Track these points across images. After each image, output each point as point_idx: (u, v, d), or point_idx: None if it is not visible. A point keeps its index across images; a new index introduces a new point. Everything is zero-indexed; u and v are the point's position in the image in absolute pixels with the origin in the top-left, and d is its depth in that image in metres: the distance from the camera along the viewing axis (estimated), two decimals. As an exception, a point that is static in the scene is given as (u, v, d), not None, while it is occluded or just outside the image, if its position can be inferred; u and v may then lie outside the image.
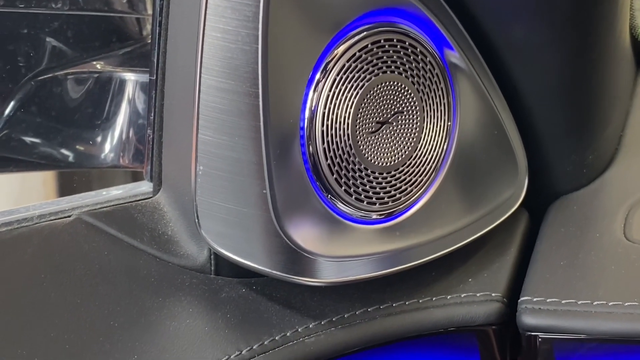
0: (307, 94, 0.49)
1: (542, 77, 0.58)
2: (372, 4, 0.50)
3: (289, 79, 0.48)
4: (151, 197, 0.55)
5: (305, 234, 0.50)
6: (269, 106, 0.47)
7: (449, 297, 0.55)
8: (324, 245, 0.51)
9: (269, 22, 0.46)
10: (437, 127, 0.54)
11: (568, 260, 0.56)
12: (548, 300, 0.53)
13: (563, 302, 0.53)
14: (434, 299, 0.54)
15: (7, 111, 0.62)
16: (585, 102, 0.60)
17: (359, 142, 0.51)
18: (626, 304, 0.52)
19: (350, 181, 0.51)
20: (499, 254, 0.58)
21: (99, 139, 0.62)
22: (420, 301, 0.54)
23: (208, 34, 0.48)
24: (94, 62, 0.64)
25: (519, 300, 0.54)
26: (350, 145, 0.50)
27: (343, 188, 0.51)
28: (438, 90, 0.53)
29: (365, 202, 0.52)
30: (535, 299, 0.53)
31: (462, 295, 0.55)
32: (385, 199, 0.53)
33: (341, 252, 0.51)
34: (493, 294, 0.55)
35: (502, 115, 0.57)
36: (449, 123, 0.54)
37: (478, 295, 0.55)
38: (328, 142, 0.50)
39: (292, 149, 0.49)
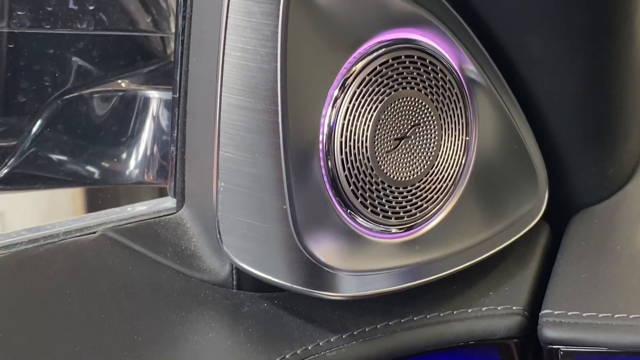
0: (326, 111, 0.50)
1: (560, 89, 0.58)
2: (390, 23, 0.50)
3: (308, 96, 0.49)
4: (174, 213, 0.55)
5: (325, 249, 0.50)
6: (288, 123, 0.48)
7: (470, 310, 0.55)
8: (344, 259, 0.51)
9: (287, 41, 0.47)
10: (455, 142, 0.54)
11: (589, 273, 0.56)
12: (569, 314, 0.53)
13: (584, 315, 0.53)
14: (455, 312, 0.55)
15: (34, 129, 0.63)
16: (605, 114, 0.60)
17: (378, 158, 0.51)
18: (647, 316, 0.52)
19: (369, 195, 0.51)
20: (519, 268, 0.58)
21: (123, 155, 0.63)
22: (442, 315, 0.54)
23: (228, 53, 0.48)
24: (119, 81, 0.65)
25: (540, 314, 0.54)
26: (368, 160, 0.51)
27: (362, 202, 0.51)
28: (456, 106, 0.54)
29: (384, 217, 0.52)
30: (556, 312, 0.53)
31: (483, 309, 0.55)
32: (404, 213, 0.53)
33: (361, 266, 0.52)
34: (514, 307, 0.55)
35: (520, 128, 0.57)
36: (467, 138, 0.54)
37: (499, 308, 0.55)
38: (346, 157, 0.50)
39: (312, 165, 0.49)
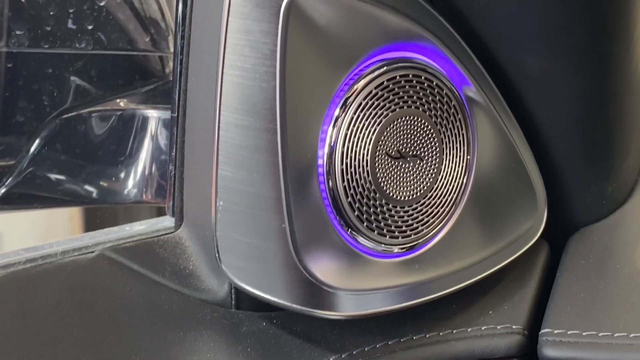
0: (325, 130, 0.50)
1: (559, 108, 0.58)
2: (389, 41, 0.50)
3: (307, 114, 0.49)
4: (173, 232, 0.55)
5: (324, 268, 0.50)
6: (287, 142, 0.48)
7: (469, 329, 0.55)
8: (344, 278, 0.51)
9: (286, 59, 0.47)
10: (456, 161, 0.54)
11: (588, 292, 0.56)
12: (569, 333, 0.53)
13: (584, 334, 0.53)
14: (454, 331, 0.54)
15: (32, 149, 0.63)
16: (604, 133, 0.60)
17: (379, 177, 0.51)
18: (647, 335, 0.51)
19: (371, 216, 0.51)
20: (519, 286, 0.58)
21: (122, 175, 0.63)
22: (441, 334, 0.54)
23: (227, 72, 0.48)
24: (117, 100, 0.65)
25: (540, 333, 0.54)
26: (369, 179, 0.51)
27: (364, 223, 0.51)
28: (457, 124, 0.54)
29: (386, 236, 0.52)
30: (556, 331, 0.53)
31: (483, 328, 0.55)
32: (407, 233, 0.53)
33: (361, 285, 0.52)
34: (514, 327, 0.55)
35: (519, 147, 0.57)
36: (468, 157, 0.54)
37: (499, 327, 0.55)
38: (348, 177, 0.50)
39: (311, 184, 0.49)
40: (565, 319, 0.54)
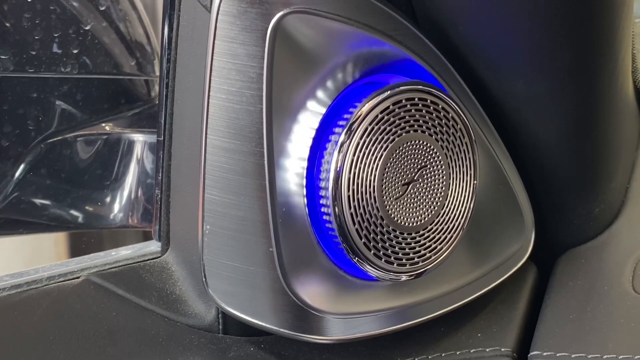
0: (321, 154, 0.49)
1: (545, 130, 0.59)
2: (373, 62, 0.50)
3: (294, 137, 0.49)
4: (159, 257, 0.55)
5: (312, 291, 0.50)
6: (274, 165, 0.48)
7: (458, 352, 0.54)
8: (332, 302, 0.51)
9: (272, 82, 0.47)
10: (463, 185, 0.53)
11: (577, 313, 0.56)
12: (558, 355, 0.53)
13: (573, 356, 0.52)
14: (443, 354, 0.54)
15: (17, 174, 0.63)
16: (590, 155, 0.60)
17: (386, 203, 0.50)
18: (636, 357, 0.51)
19: (379, 243, 0.50)
20: (507, 308, 0.58)
21: (108, 199, 0.63)
22: (430, 357, 0.54)
23: (213, 95, 0.48)
24: (103, 124, 0.64)
25: (529, 355, 0.54)
26: (377, 206, 0.50)
27: (372, 251, 0.50)
28: (463, 148, 0.53)
29: (394, 264, 0.51)
30: (545, 354, 0.53)
31: (472, 351, 0.54)
32: (415, 260, 0.52)
33: (349, 309, 0.51)
34: (502, 349, 0.54)
35: (506, 169, 0.57)
36: (475, 182, 0.53)
37: (487, 350, 0.54)
38: (354, 203, 0.49)
39: (298, 207, 0.49)
40: (554, 341, 0.54)
